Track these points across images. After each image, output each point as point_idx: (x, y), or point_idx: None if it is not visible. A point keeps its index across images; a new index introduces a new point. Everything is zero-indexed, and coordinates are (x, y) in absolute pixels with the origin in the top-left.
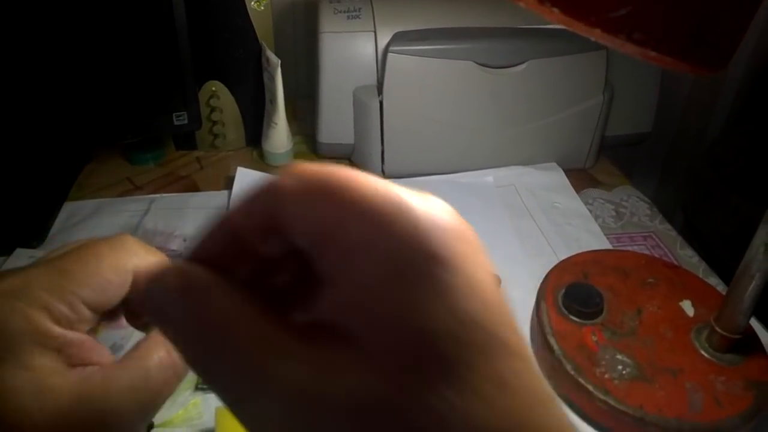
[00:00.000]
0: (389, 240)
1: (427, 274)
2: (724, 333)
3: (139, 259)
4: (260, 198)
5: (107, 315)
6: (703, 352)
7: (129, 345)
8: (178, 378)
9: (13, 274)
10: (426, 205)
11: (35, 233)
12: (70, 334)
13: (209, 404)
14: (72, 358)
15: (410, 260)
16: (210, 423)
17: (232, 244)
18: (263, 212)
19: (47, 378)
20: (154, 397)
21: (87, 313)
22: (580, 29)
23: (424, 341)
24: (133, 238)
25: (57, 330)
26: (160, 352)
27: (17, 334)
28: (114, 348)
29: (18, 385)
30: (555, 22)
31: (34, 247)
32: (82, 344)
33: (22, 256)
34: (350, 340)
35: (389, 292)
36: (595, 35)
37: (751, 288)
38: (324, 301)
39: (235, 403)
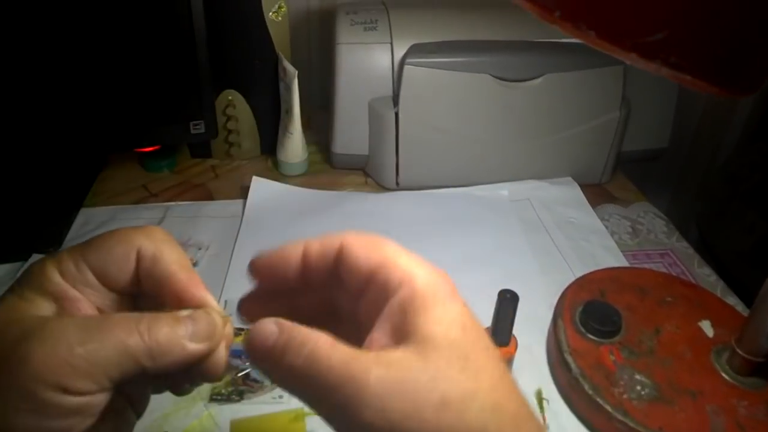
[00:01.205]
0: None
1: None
2: (747, 356)
3: (150, 241)
4: (333, 241)
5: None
6: (724, 375)
7: None
8: (133, 359)
9: None
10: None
11: (51, 239)
12: (68, 288)
13: (223, 416)
14: (65, 311)
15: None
16: None
17: (298, 267)
18: (333, 247)
19: (32, 308)
20: (104, 352)
21: (90, 275)
22: (616, 53)
23: None
24: (160, 229)
25: (57, 278)
26: (133, 322)
27: (32, 278)
28: None
29: (8, 306)
30: (591, 45)
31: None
32: (77, 301)
33: None
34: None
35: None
36: (631, 59)
37: None
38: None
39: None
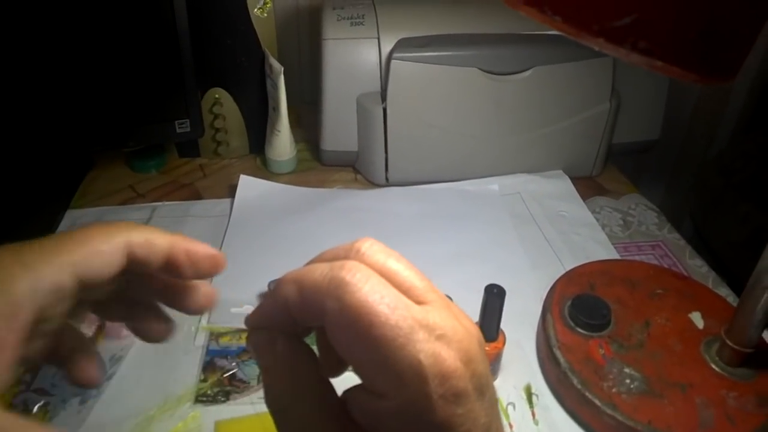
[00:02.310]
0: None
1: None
2: (736, 347)
3: (135, 231)
4: (313, 306)
5: (102, 309)
6: (713, 366)
7: (128, 356)
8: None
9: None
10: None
11: None
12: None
13: (209, 417)
14: None
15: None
16: None
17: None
18: (315, 317)
19: None
20: None
21: (68, 278)
22: (583, 38)
23: None
24: (133, 223)
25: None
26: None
27: None
28: (113, 360)
29: None
30: (557, 30)
31: None
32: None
33: None
34: None
35: None
36: (599, 44)
37: (764, 300)
38: (356, 409)
39: None
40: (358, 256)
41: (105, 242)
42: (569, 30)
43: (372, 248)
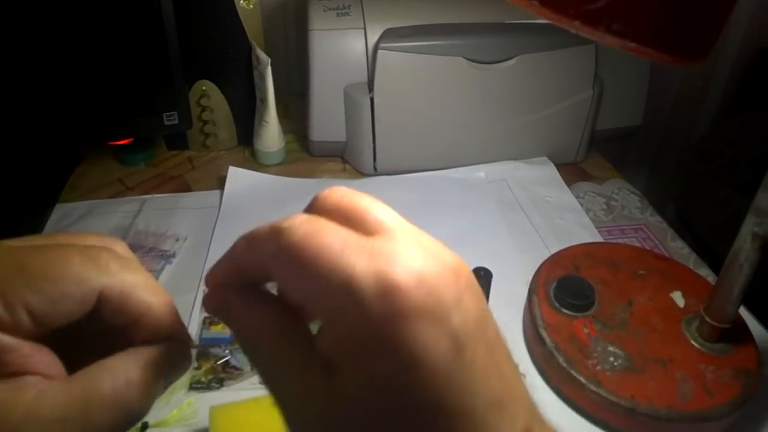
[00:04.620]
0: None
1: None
2: (714, 323)
3: (112, 278)
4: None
5: (62, 334)
6: (693, 342)
7: None
8: (127, 416)
9: None
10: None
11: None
12: (2, 338)
13: (203, 404)
14: (6, 366)
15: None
16: (204, 423)
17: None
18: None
19: None
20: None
21: (26, 320)
22: (560, 21)
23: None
24: (122, 246)
25: None
26: (117, 379)
27: None
28: None
29: None
30: (535, 14)
31: None
32: (17, 350)
33: None
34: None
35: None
36: (575, 27)
37: (740, 277)
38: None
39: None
40: (315, 204)
41: (73, 284)
42: (546, 13)
43: (331, 195)
